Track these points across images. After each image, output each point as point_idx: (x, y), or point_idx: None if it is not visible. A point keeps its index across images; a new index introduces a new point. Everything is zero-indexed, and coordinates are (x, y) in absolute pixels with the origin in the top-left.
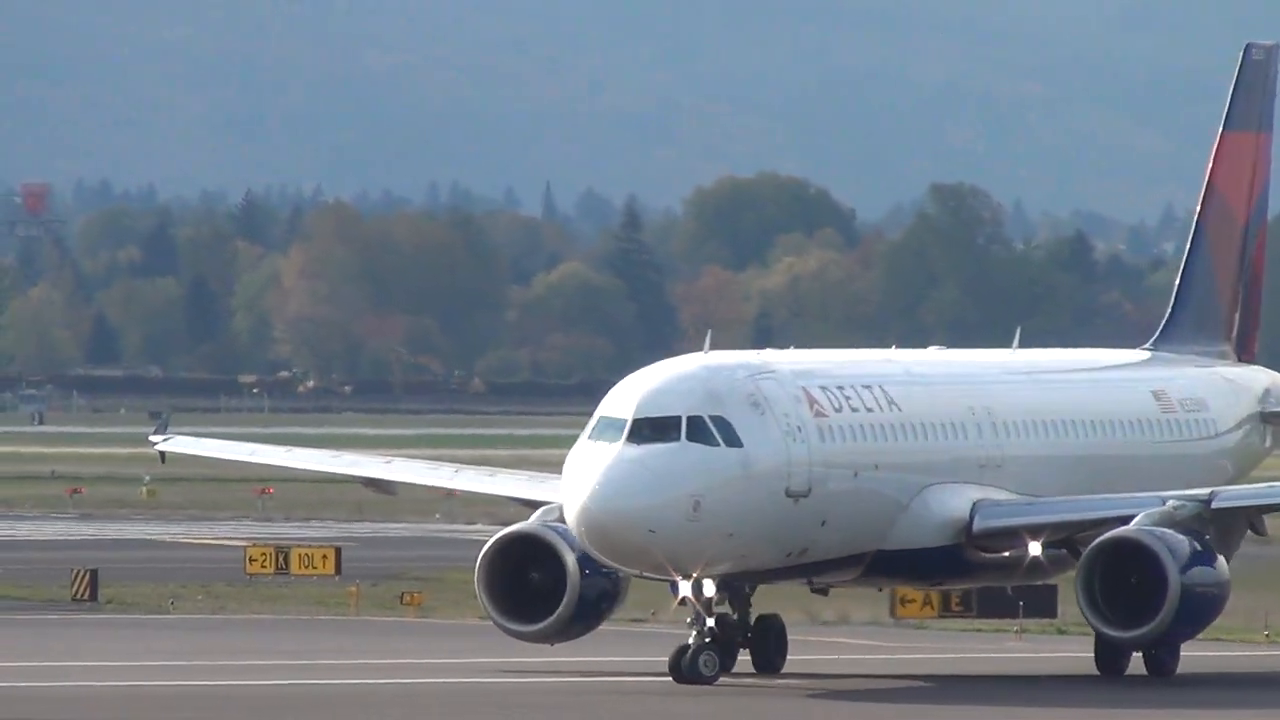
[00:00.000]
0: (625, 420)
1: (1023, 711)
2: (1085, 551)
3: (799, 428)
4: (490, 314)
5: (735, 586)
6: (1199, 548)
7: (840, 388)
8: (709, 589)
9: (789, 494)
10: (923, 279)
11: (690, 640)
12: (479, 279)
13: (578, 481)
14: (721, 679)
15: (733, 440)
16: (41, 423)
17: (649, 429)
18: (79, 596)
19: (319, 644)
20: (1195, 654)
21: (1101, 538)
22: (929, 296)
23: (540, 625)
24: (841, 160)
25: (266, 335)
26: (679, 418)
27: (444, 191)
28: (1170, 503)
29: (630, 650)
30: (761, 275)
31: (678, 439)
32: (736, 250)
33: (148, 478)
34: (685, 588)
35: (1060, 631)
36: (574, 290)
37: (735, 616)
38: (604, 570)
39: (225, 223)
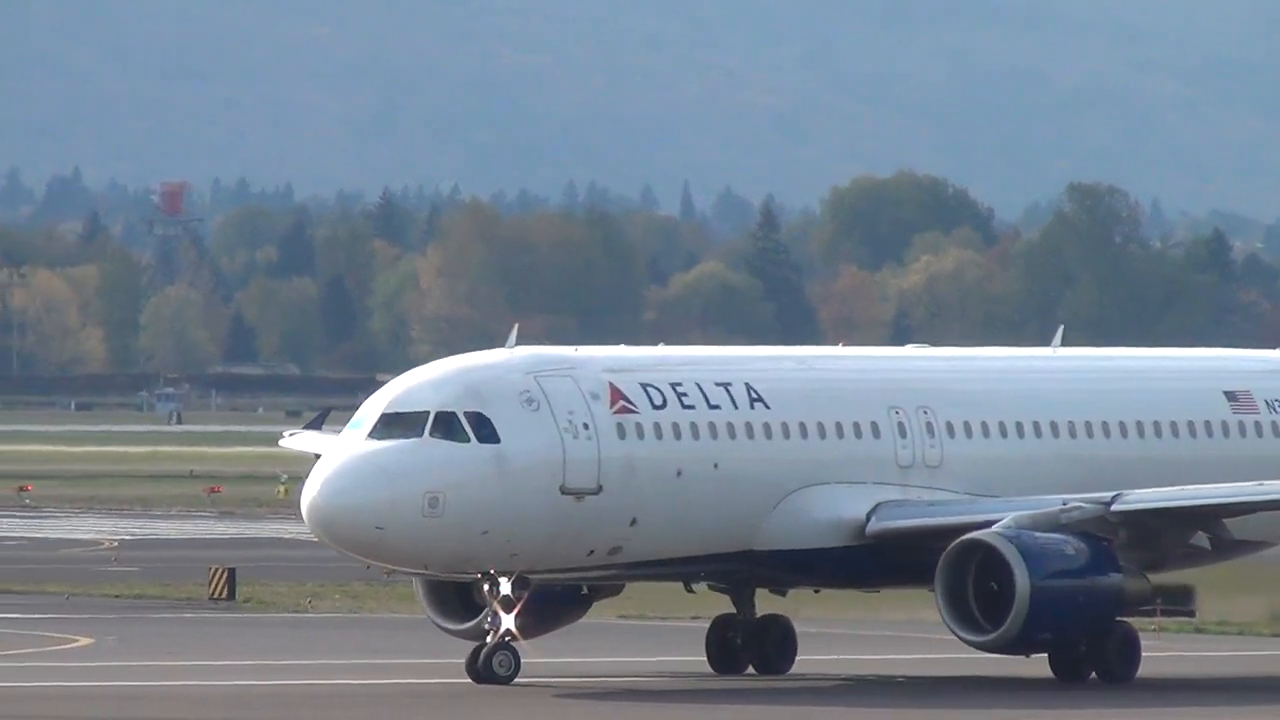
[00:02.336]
0: (376, 414)
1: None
2: (943, 555)
3: (585, 425)
4: (628, 314)
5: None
6: (1071, 551)
7: (675, 384)
8: (505, 587)
9: (565, 491)
10: (1060, 278)
11: (487, 639)
12: (617, 279)
13: (313, 475)
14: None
15: (488, 436)
16: (179, 422)
17: (394, 424)
18: (217, 595)
19: (453, 643)
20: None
21: (955, 541)
22: (1066, 295)
23: (468, 625)
24: (979, 159)
25: (404, 335)
26: (426, 413)
27: (582, 191)
28: (1072, 505)
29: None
30: (899, 275)
31: (420, 434)
32: (874, 249)
33: (284, 476)
34: (485, 586)
35: (1197, 630)
36: (712, 290)
37: (739, 615)
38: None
39: (363, 222)
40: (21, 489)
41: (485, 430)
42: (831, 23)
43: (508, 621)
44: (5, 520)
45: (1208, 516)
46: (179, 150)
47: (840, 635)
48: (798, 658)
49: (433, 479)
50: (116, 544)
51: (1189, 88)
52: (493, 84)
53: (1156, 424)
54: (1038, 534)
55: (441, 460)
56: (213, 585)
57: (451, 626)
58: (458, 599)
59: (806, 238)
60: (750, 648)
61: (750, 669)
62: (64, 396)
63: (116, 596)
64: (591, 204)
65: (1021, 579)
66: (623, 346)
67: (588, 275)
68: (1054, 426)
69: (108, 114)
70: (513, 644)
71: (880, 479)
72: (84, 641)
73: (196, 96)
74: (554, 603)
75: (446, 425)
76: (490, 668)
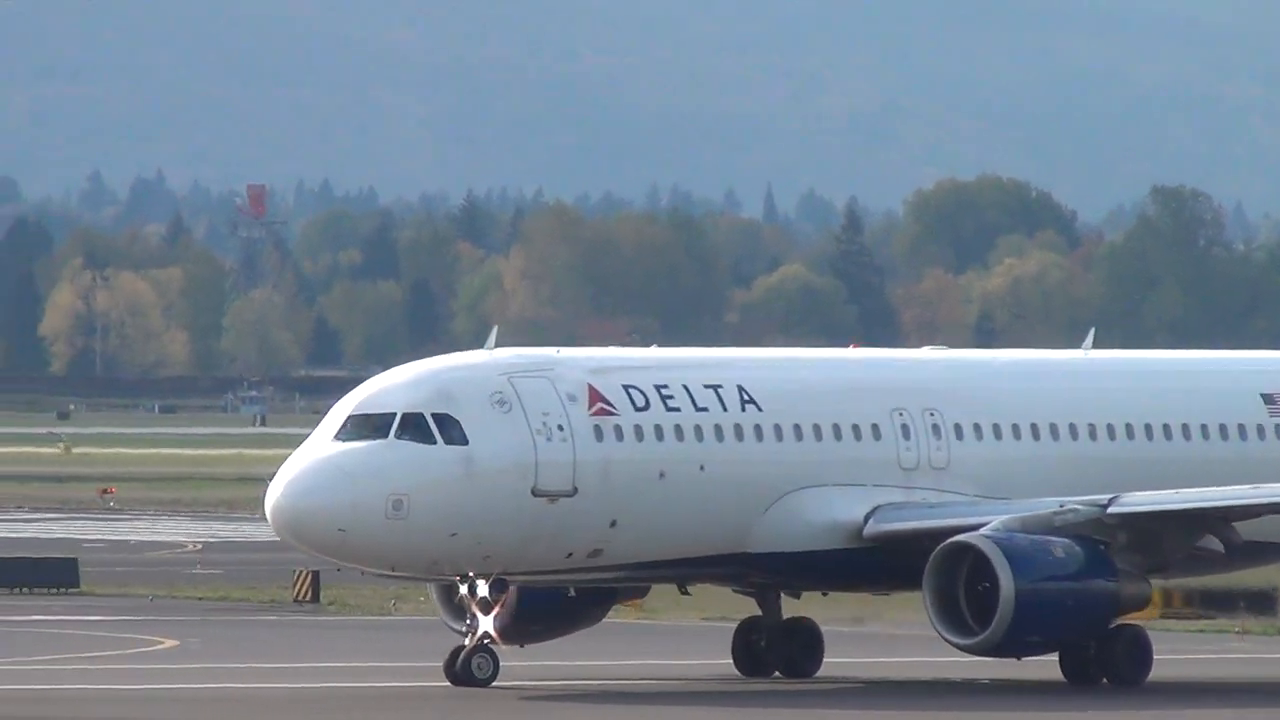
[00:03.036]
0: (344, 416)
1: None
2: (930, 558)
3: (559, 426)
4: (711, 316)
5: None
6: (1061, 553)
7: (660, 386)
8: (482, 589)
9: (538, 494)
10: (1143, 281)
11: (465, 642)
12: (699, 281)
13: (278, 477)
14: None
15: (456, 438)
16: (263, 424)
17: (361, 426)
18: (301, 598)
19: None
20: None
21: (942, 544)
22: (1149, 298)
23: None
24: (1062, 162)
25: (488, 337)
26: (393, 415)
27: (665, 193)
28: (1067, 507)
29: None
30: (982, 277)
31: (385, 436)
32: (957, 252)
33: None
34: (463, 588)
35: None
36: (795, 292)
37: (764, 618)
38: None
39: (446, 225)
40: (105, 492)
41: (453, 432)
42: (913, 25)
43: (486, 624)
44: (90, 523)
45: (1213, 520)
46: (263, 153)
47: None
48: (825, 660)
49: (397, 481)
50: (201, 546)
51: (1271, 90)
52: (576, 86)
53: (1185, 426)
54: (1026, 536)
55: (406, 462)
56: (297, 588)
57: (461, 628)
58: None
59: (889, 240)
60: (776, 650)
61: (777, 672)
62: (148, 399)
63: (201, 599)
64: (675, 206)
65: (1006, 582)
66: (614, 349)
67: (671, 278)
68: (1073, 429)
69: (191, 116)
70: (491, 646)
71: (881, 481)
72: (169, 644)
73: (280, 99)
74: (568, 606)
75: (413, 427)
76: (469, 670)
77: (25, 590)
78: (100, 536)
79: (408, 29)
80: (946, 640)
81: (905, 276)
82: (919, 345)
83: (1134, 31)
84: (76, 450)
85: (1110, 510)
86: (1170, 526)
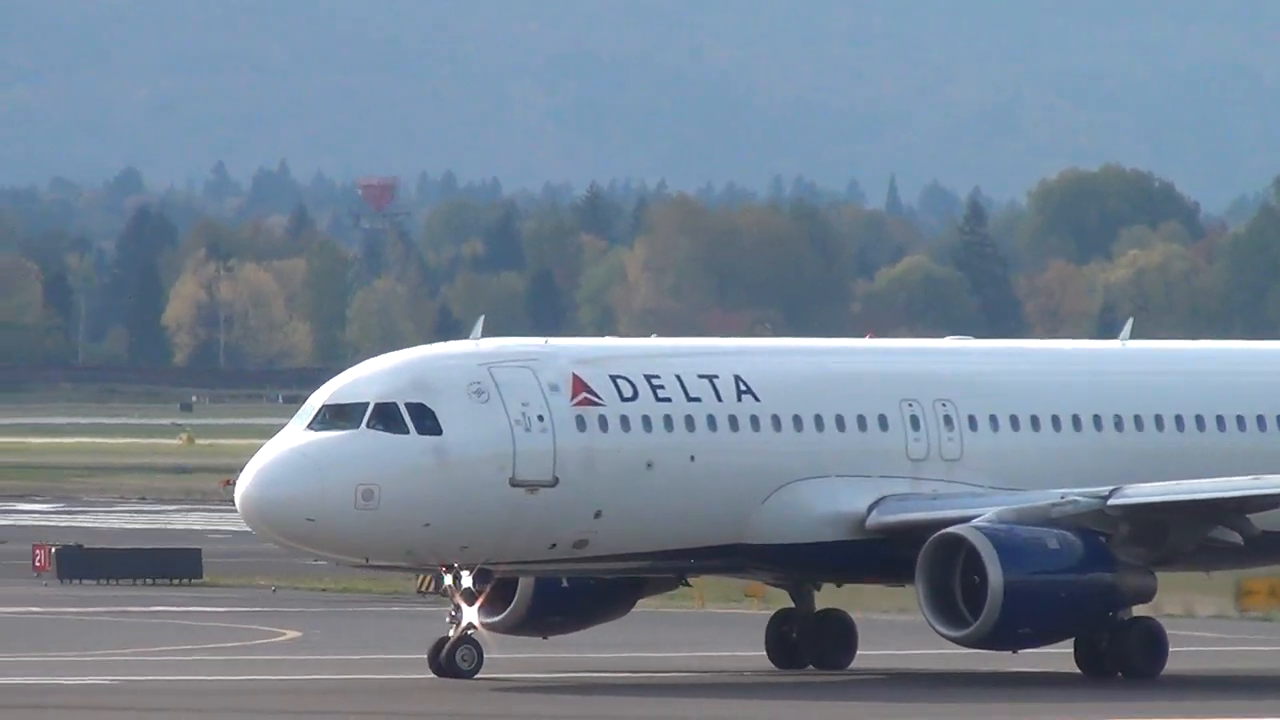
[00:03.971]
0: (318, 405)
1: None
2: (922, 549)
3: (540, 416)
4: (834, 306)
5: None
6: (1055, 545)
7: (650, 376)
8: (466, 580)
9: (516, 484)
10: (1267, 272)
11: (450, 633)
12: (823, 272)
13: (248, 467)
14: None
15: (429, 428)
16: None
17: (334, 415)
18: (424, 589)
19: (659, 636)
20: None
21: (933, 535)
22: (1273, 289)
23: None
24: (1186, 153)
25: (611, 328)
26: (365, 404)
27: (788, 184)
28: (1067, 499)
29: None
30: (1105, 268)
31: (356, 426)
32: (1080, 243)
33: None
34: (448, 579)
35: None
36: (918, 283)
37: (797, 610)
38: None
39: (570, 216)
40: (228, 483)
41: (427, 422)
42: (1037, 16)
43: (470, 615)
44: (213, 514)
45: (1225, 511)
46: (386, 144)
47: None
48: (859, 652)
49: (366, 471)
50: None
51: None
52: (700, 77)
53: (1220, 418)
54: (1018, 528)
55: (376, 452)
56: (420, 579)
57: (482, 619)
58: (497, 592)
59: (1013, 231)
60: (808, 643)
61: (810, 665)
62: (271, 390)
63: (324, 590)
64: (798, 197)
65: (995, 573)
66: (610, 338)
67: (794, 268)
68: (1097, 420)
69: (314, 107)
70: (476, 637)
71: (887, 472)
72: (291, 635)
73: (404, 90)
74: (590, 597)
75: (386, 416)
76: (453, 662)
77: (149, 582)
78: (223, 528)
79: (533, 20)
80: (938, 632)
81: (1028, 267)
82: (1043, 336)
83: (1259, 22)
84: (199, 442)
85: (1111, 502)
86: (1176, 518)
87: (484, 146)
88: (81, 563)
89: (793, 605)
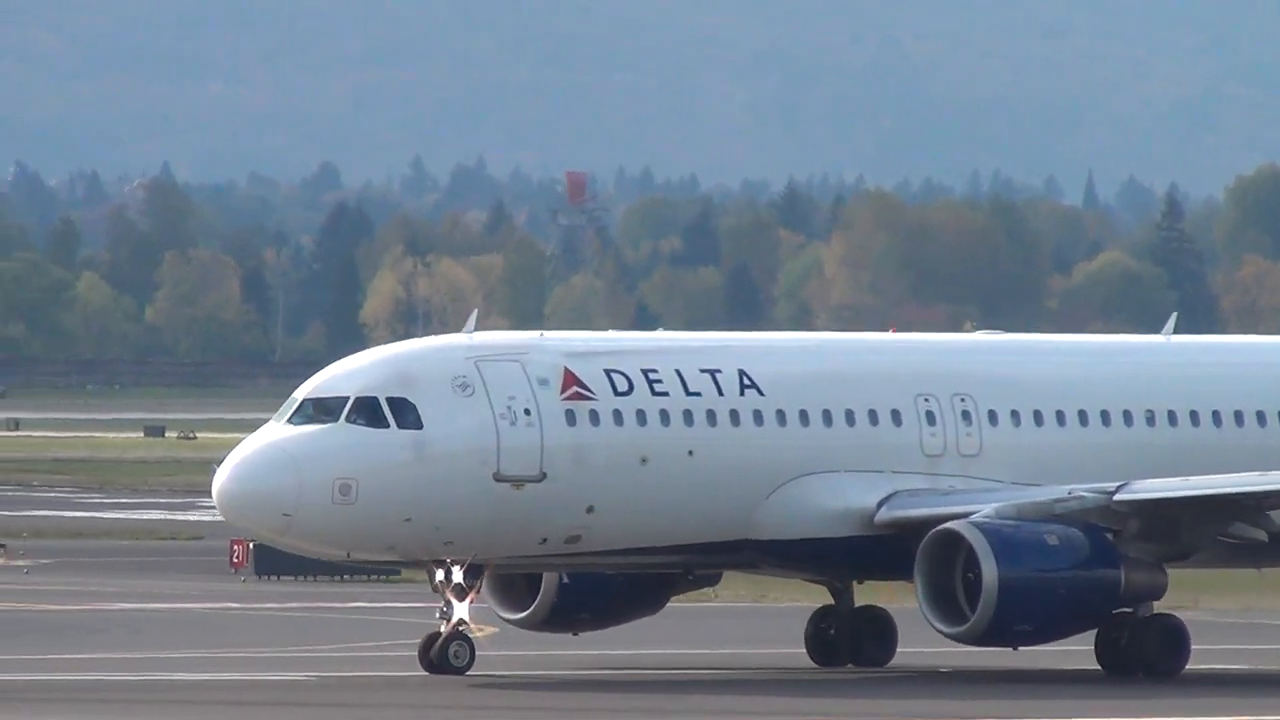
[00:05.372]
0: (299, 400)
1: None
2: (920, 545)
3: (526, 411)
4: (1031, 302)
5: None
6: (1054, 541)
7: (648, 371)
8: (457, 576)
9: (500, 479)
10: None
11: (441, 629)
12: (1020, 267)
13: (226, 461)
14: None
15: (410, 423)
16: None
17: (314, 410)
18: None
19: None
20: None
21: (930, 531)
22: None
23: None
24: None
25: (808, 323)
26: (346, 398)
27: (985, 180)
28: (1073, 494)
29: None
30: None
31: (335, 420)
32: (1277, 239)
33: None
34: (439, 574)
35: None
36: (1115, 279)
37: (836, 606)
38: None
39: (767, 211)
40: None
41: (408, 416)
42: (1235, 10)
43: (461, 610)
44: None
45: (1242, 508)
46: (583, 139)
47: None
48: (899, 649)
49: (344, 466)
50: None
51: None
52: (895, 72)
53: (1261, 414)
54: (1016, 523)
55: (355, 446)
56: None
57: (509, 616)
58: (527, 588)
59: (1210, 227)
60: (847, 640)
61: (850, 664)
62: None
63: None
64: (995, 193)
65: (989, 569)
66: (611, 332)
67: (991, 264)
68: (1127, 415)
69: (512, 103)
70: (467, 633)
71: (900, 468)
72: (488, 630)
73: (600, 86)
74: (619, 593)
75: (366, 411)
76: (445, 658)
77: (347, 578)
78: None
79: (729, 14)
80: (935, 629)
81: (1225, 263)
82: (1238, 333)
83: None
84: None
85: (1118, 497)
86: (1188, 514)
87: (681, 142)
88: (279, 559)
89: (832, 602)
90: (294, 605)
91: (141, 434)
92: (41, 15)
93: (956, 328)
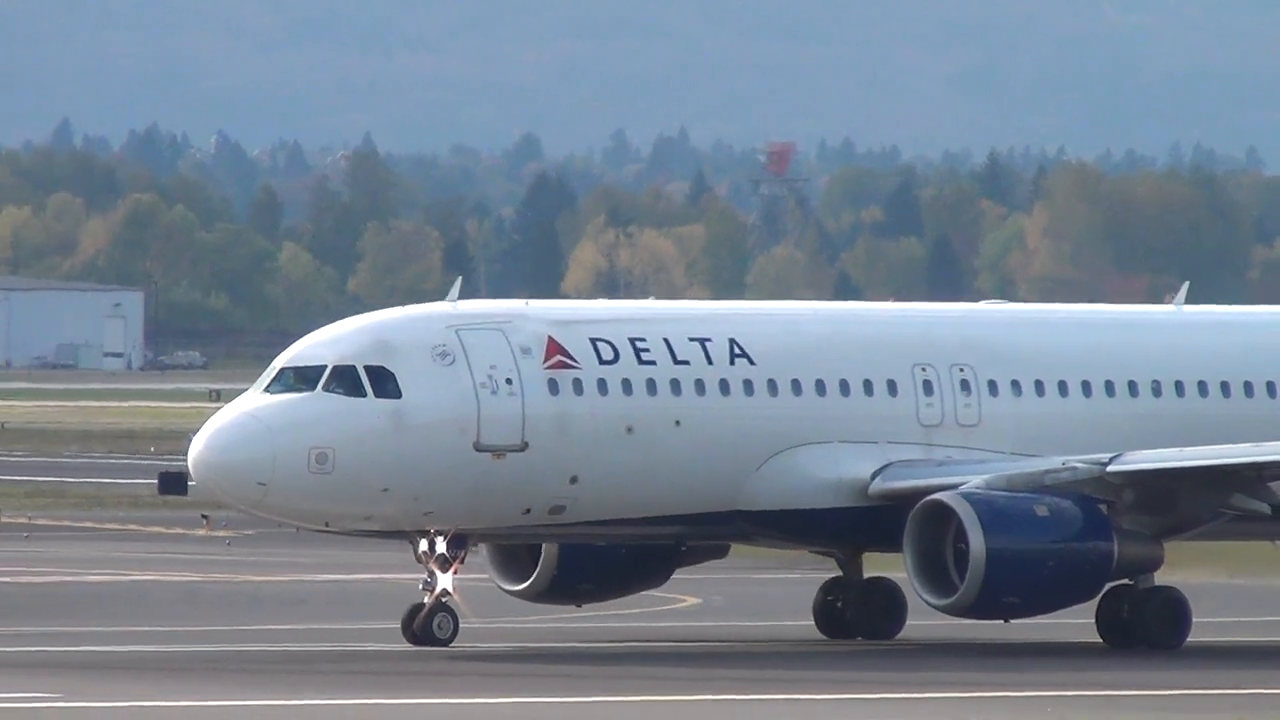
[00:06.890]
0: (277, 369)
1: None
2: (909, 516)
3: (507, 380)
4: (1232, 274)
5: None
6: (1044, 512)
7: (635, 339)
8: (440, 546)
9: (481, 448)
10: None
11: (425, 600)
12: (1222, 239)
13: (201, 430)
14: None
15: (389, 391)
16: None
17: (292, 378)
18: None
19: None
20: None
21: (920, 502)
22: None
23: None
24: None
25: (1011, 295)
26: (323, 367)
27: (1187, 151)
28: (1066, 465)
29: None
30: None
31: (312, 389)
32: None
33: None
34: (423, 545)
35: None
36: None
37: (844, 578)
38: None
39: (969, 183)
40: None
41: (387, 385)
42: None
43: (444, 581)
44: None
45: (1243, 479)
46: (784, 110)
47: None
48: (909, 622)
49: (320, 435)
50: None
51: None
52: (1096, 43)
53: (1271, 384)
54: (1005, 494)
55: (331, 415)
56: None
57: (509, 587)
58: (528, 558)
59: None
60: (855, 612)
61: (859, 636)
62: None
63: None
64: (1197, 164)
65: (976, 540)
66: (601, 300)
67: (1192, 235)
68: (1132, 385)
69: (714, 74)
70: (450, 604)
71: (895, 438)
72: (690, 601)
73: (801, 57)
74: (621, 564)
75: (344, 379)
76: (429, 630)
77: None
78: None
79: None
80: (924, 601)
81: None
82: None
83: None
84: None
85: (1111, 468)
86: (1184, 486)
87: (882, 113)
88: None
89: (840, 574)
90: (485, 577)
91: None
92: None
93: (1158, 299)
